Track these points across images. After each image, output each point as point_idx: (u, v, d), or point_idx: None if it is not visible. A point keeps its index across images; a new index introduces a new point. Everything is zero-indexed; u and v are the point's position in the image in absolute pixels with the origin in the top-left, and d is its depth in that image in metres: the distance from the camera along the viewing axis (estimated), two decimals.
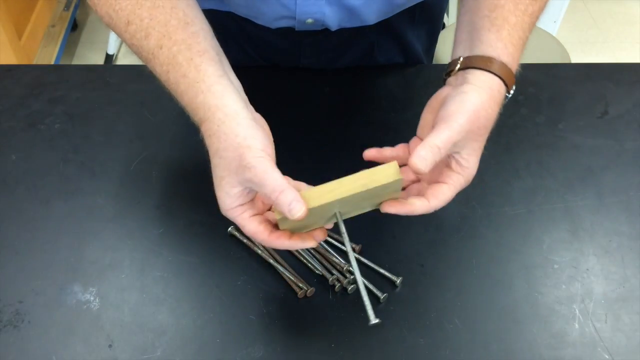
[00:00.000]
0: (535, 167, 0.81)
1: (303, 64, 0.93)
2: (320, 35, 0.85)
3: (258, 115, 0.58)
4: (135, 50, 0.60)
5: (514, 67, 0.60)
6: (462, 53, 0.61)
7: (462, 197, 0.76)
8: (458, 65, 0.60)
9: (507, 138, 0.84)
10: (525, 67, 0.98)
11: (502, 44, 0.59)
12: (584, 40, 2.63)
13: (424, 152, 0.54)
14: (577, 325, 0.65)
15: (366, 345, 0.63)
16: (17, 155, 0.81)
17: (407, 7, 0.86)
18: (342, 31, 0.84)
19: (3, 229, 0.73)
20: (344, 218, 0.57)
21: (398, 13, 0.86)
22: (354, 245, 0.70)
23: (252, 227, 0.56)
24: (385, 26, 0.88)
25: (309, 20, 0.80)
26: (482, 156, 0.58)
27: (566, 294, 0.67)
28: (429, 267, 0.69)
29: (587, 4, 2.79)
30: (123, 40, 0.61)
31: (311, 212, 0.52)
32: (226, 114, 0.54)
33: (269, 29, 0.84)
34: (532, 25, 0.63)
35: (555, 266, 0.70)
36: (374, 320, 0.53)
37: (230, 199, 0.55)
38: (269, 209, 0.59)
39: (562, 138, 0.85)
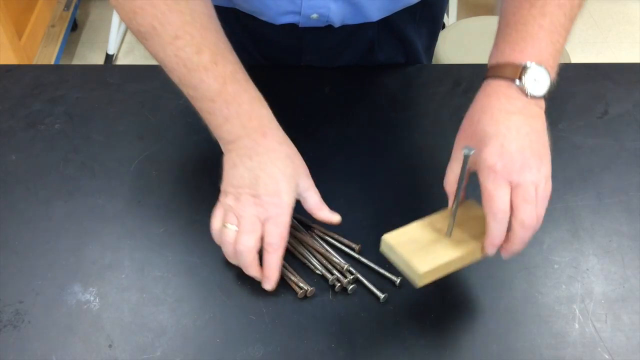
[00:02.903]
0: None
1: (304, 61, 0.93)
2: (322, 32, 0.85)
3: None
4: (177, 59, 0.64)
5: (509, 53, 0.63)
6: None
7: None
8: None
9: None
10: None
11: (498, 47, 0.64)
12: (584, 40, 2.63)
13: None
14: (577, 325, 0.65)
15: (366, 345, 0.63)
16: (17, 155, 0.81)
17: (410, 4, 0.86)
18: (344, 28, 0.84)
19: (3, 229, 0.73)
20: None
21: (400, 11, 0.86)
22: (354, 245, 0.70)
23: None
24: (386, 23, 0.88)
25: (314, 16, 0.80)
26: None
27: (566, 294, 0.67)
28: None
29: (587, 4, 2.79)
30: (162, 48, 0.64)
31: None
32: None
33: (271, 25, 0.84)
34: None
35: (555, 266, 0.70)
36: None
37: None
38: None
39: (562, 138, 0.85)
